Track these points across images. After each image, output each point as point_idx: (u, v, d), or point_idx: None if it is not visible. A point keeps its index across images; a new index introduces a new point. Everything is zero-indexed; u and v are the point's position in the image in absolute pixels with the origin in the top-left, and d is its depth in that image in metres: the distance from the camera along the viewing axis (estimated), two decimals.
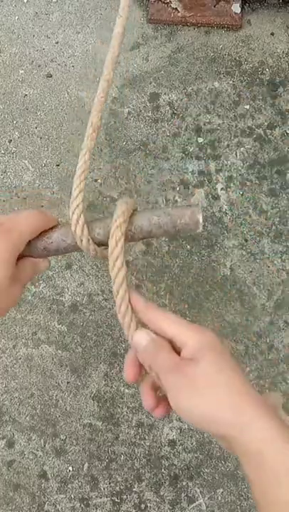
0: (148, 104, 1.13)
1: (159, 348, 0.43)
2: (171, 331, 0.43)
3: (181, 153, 1.10)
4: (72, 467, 0.97)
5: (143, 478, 0.96)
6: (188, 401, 0.39)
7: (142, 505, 0.95)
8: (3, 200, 1.09)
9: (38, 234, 0.49)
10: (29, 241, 0.49)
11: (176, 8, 1.16)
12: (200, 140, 1.10)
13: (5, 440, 0.99)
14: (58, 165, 1.11)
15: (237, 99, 1.13)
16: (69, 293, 1.04)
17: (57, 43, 1.18)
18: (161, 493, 0.96)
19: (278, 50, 1.15)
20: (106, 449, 0.98)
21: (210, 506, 0.95)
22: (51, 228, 0.50)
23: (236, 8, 1.15)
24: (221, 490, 0.95)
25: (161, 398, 0.45)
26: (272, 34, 1.17)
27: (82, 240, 0.48)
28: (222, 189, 1.08)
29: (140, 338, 0.44)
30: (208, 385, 0.39)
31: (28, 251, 0.49)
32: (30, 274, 0.50)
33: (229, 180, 1.08)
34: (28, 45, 1.18)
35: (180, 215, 0.48)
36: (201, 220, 0.47)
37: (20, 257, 0.49)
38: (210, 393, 0.39)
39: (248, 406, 0.38)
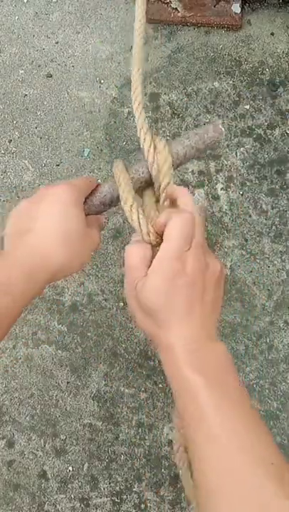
0: (148, 104, 1.13)
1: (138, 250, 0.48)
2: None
3: None
4: (72, 467, 0.97)
5: (143, 478, 0.96)
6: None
7: (142, 505, 0.95)
8: (3, 200, 1.09)
9: (89, 193, 0.53)
10: (86, 201, 0.53)
11: (176, 8, 1.16)
12: None
13: (5, 440, 0.99)
14: (58, 165, 1.11)
15: (237, 99, 1.13)
16: (69, 293, 1.04)
17: (57, 43, 1.18)
18: (161, 493, 0.96)
19: (278, 50, 1.15)
20: (106, 449, 0.98)
21: None
22: (96, 187, 0.55)
23: (236, 8, 1.15)
24: None
25: None
26: (272, 34, 1.17)
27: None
28: (222, 189, 1.08)
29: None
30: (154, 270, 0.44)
31: (87, 210, 0.53)
32: (98, 229, 0.54)
33: (229, 180, 1.08)
34: (28, 45, 1.18)
35: (205, 131, 0.54)
36: (223, 129, 0.54)
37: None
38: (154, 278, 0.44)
39: (180, 306, 0.44)
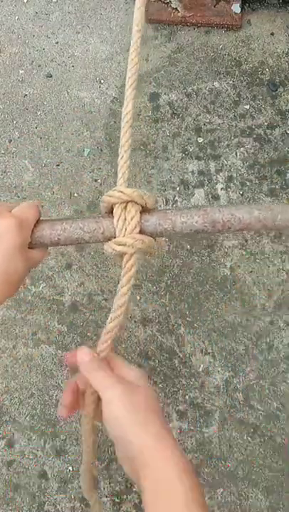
0: (148, 104, 1.13)
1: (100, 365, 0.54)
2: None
3: (181, 153, 1.10)
4: (72, 467, 0.97)
5: None
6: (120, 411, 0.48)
7: (142, 505, 0.95)
8: (3, 200, 1.09)
9: (35, 221, 0.54)
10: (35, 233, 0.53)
11: (176, 8, 1.16)
12: (200, 140, 1.10)
13: (5, 440, 0.99)
14: (58, 165, 1.11)
15: (237, 99, 1.13)
16: (69, 293, 1.04)
17: (57, 43, 1.18)
18: None
19: (278, 50, 1.15)
20: (106, 449, 0.98)
21: (210, 506, 0.95)
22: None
23: (236, 8, 1.15)
24: (221, 490, 0.95)
25: (78, 402, 0.54)
26: (272, 34, 1.17)
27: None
28: (222, 189, 1.08)
29: (83, 354, 0.55)
30: (143, 408, 0.48)
31: (34, 243, 0.53)
32: (38, 261, 0.56)
33: (229, 180, 1.08)
34: (28, 45, 1.18)
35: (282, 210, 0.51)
36: None
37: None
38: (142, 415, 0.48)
39: (151, 438, 0.47)
